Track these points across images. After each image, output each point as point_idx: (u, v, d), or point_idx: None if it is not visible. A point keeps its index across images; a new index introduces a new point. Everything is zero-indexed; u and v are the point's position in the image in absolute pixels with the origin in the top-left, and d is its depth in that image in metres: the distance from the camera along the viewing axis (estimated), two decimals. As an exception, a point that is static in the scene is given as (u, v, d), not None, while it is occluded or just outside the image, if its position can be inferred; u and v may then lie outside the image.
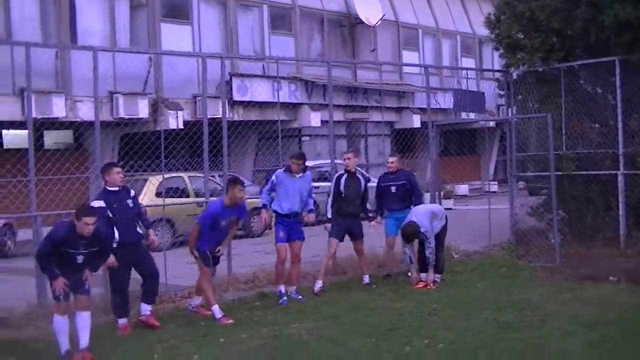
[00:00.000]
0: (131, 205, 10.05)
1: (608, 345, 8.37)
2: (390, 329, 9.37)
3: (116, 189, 9.94)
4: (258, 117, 25.20)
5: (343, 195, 12.47)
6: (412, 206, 13.06)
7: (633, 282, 11.69)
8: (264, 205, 12.05)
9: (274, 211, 11.82)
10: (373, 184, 13.77)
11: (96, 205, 9.43)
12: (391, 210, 13.28)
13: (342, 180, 12.54)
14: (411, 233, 12.07)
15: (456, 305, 10.64)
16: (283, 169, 11.82)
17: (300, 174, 11.72)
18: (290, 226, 11.71)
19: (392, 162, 13.51)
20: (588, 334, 8.77)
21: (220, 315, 10.26)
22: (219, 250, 10.65)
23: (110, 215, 9.66)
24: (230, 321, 10.14)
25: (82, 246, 8.57)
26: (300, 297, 11.60)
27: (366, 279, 12.72)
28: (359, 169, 13.29)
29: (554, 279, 12.51)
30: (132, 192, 10.26)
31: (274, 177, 11.83)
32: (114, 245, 9.53)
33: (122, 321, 9.84)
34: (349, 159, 12.71)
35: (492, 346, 8.31)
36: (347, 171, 12.67)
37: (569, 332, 8.89)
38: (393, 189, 13.27)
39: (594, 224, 15.14)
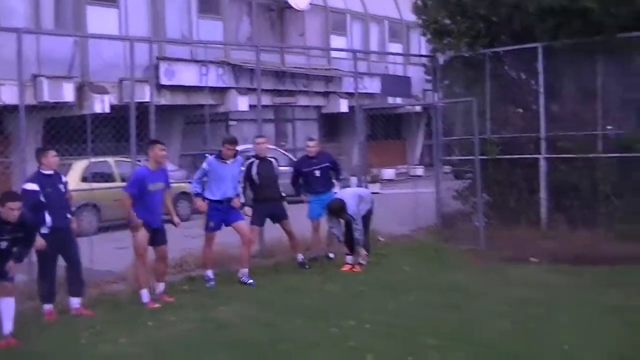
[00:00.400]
0: (63, 190, 9.90)
1: (533, 321, 8.63)
2: (318, 309, 9.50)
3: (51, 172, 9.76)
4: (185, 101, 25.03)
5: (257, 181, 12.41)
6: (335, 183, 13.30)
7: (554, 262, 12.02)
8: (198, 194, 11.91)
9: (207, 199, 11.72)
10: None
11: (29, 189, 9.35)
12: (316, 193, 13.24)
13: (254, 166, 12.49)
14: (337, 208, 12.13)
15: (383, 287, 10.81)
16: (214, 156, 11.72)
17: (232, 160, 11.67)
18: (225, 211, 11.63)
19: (312, 146, 13.50)
20: (513, 312, 9.01)
21: (147, 300, 10.20)
22: (176, 224, 10.55)
23: (43, 200, 9.52)
24: (157, 305, 10.09)
25: (7, 232, 8.43)
26: (251, 280, 11.46)
27: (300, 257, 12.79)
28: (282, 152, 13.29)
29: (479, 260, 12.76)
30: (64, 178, 10.09)
31: (205, 164, 11.71)
32: (46, 230, 9.42)
33: (48, 307, 9.67)
34: (261, 143, 12.72)
35: (418, 327, 8.46)
36: (257, 157, 12.66)
37: (494, 311, 9.11)
38: (317, 172, 13.27)
39: (517, 206, 15.43)
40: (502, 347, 7.56)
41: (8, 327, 8.52)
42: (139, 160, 12.39)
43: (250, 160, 12.62)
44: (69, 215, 10.01)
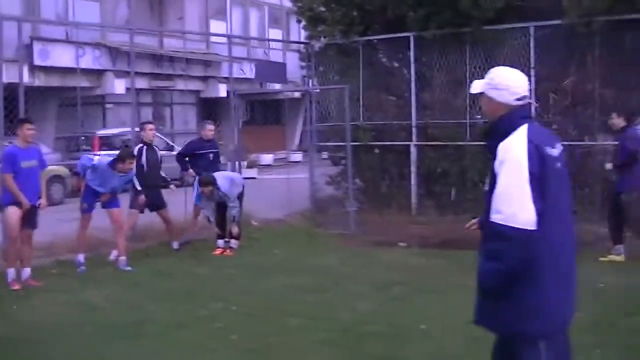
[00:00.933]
0: None
1: (395, 302, 8.94)
2: (187, 292, 9.56)
3: None
4: (60, 83, 24.51)
5: (145, 168, 12.38)
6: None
7: (422, 246, 12.42)
8: (77, 174, 11.71)
9: (87, 182, 11.48)
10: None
11: None
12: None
13: (144, 153, 12.48)
14: (208, 181, 12.16)
15: (253, 271, 10.95)
16: (108, 163, 11.18)
17: (123, 175, 11.36)
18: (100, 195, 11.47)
19: (211, 130, 13.62)
20: (375, 293, 9.30)
21: (11, 279, 10.06)
22: (39, 205, 10.32)
23: None
24: (17, 287, 9.95)
25: None
26: (130, 268, 11.24)
27: (175, 244, 12.83)
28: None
29: (349, 244, 13.03)
30: None
31: (96, 163, 11.30)
32: None
33: None
34: (150, 130, 12.71)
35: (284, 308, 8.63)
36: (145, 142, 12.64)
37: (358, 292, 9.37)
38: (211, 156, 13.38)
39: (388, 192, 15.83)
40: (364, 328, 7.76)
41: None
42: (10, 143, 12.12)
43: (139, 146, 12.61)
44: None
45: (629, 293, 9.06)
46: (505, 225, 3.92)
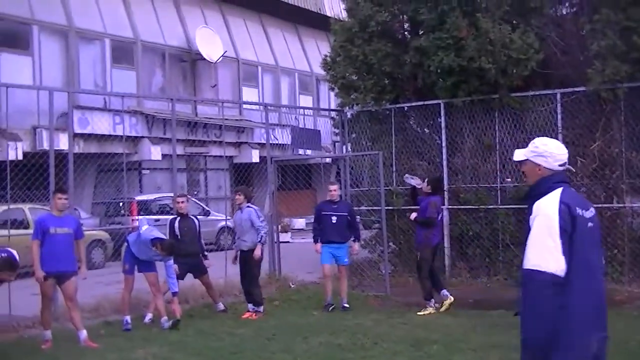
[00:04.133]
0: None
1: (431, 360, 9.25)
2: (232, 352, 9.93)
3: None
4: (98, 149, 25.21)
5: (179, 237, 12.88)
6: (351, 239, 13.63)
7: (455, 307, 12.65)
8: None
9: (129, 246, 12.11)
10: (213, 217, 14.23)
11: None
12: (328, 242, 13.46)
13: (176, 224, 13.03)
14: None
15: (294, 331, 11.29)
16: (152, 239, 11.72)
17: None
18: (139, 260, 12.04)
19: (334, 190, 13.58)
20: (414, 352, 9.63)
21: (45, 339, 10.63)
22: (78, 271, 10.83)
23: None
24: (47, 346, 10.50)
25: None
26: (168, 323, 11.70)
27: (220, 306, 13.30)
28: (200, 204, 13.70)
29: (384, 306, 13.36)
30: None
31: (142, 234, 11.86)
32: None
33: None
34: (181, 202, 13.28)
35: (326, 366, 9.00)
36: (179, 214, 13.18)
37: (397, 351, 9.71)
38: (334, 219, 13.44)
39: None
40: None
41: None
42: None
43: (172, 217, 13.20)
44: None
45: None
46: (534, 270, 4.36)
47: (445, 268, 15.78)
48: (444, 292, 13.02)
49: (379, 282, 15.00)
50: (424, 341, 10.23)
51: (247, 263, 12.96)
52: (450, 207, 15.86)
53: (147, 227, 11.99)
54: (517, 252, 15.01)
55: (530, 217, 4.56)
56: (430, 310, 12.62)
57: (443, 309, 12.76)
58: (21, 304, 12.09)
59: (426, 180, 13.21)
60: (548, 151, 4.72)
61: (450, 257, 15.85)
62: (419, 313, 12.49)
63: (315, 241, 13.57)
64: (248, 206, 12.95)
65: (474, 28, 14.98)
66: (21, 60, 24.34)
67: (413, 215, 12.99)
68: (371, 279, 15.67)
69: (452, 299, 12.87)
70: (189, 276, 13.20)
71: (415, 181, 13.42)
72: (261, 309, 12.92)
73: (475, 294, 14.19)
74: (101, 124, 24.71)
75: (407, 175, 14.10)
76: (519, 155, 4.88)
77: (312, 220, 14.20)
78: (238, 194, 13.14)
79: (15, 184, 16.84)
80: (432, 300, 12.76)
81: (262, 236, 12.78)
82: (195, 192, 29.20)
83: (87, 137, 24.85)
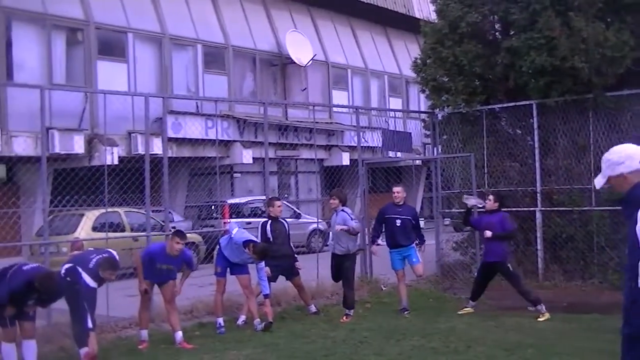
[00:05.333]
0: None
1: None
2: (325, 355, 9.96)
3: None
4: (190, 153, 25.64)
5: (271, 239, 12.96)
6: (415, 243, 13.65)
7: (550, 311, 12.44)
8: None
9: (221, 249, 12.32)
10: (304, 220, 14.34)
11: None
12: (396, 246, 13.59)
13: (268, 226, 13.10)
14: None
15: (386, 334, 11.27)
16: (243, 241, 11.89)
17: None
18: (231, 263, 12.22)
19: (397, 193, 13.63)
20: (509, 356, 9.52)
21: (141, 339, 11.00)
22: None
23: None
24: (143, 346, 10.87)
25: (35, 299, 8.98)
26: (261, 325, 11.82)
27: (312, 309, 13.37)
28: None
29: (477, 309, 13.22)
30: None
31: (233, 237, 12.02)
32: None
33: (84, 351, 9.91)
34: (279, 207, 13.35)
35: (420, 369, 8.98)
36: (270, 217, 13.27)
37: (492, 355, 9.60)
38: (398, 222, 13.50)
39: (514, 257, 15.94)
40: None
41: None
42: (153, 211, 12.94)
43: (263, 221, 13.32)
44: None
45: None
46: None
47: (538, 271, 15.57)
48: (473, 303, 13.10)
49: (471, 285, 14.82)
50: (518, 345, 10.11)
51: (341, 267, 13.05)
52: (543, 209, 15.64)
53: (237, 229, 12.14)
54: (612, 255, 14.75)
55: (637, 227, 4.24)
56: (546, 315, 12.20)
57: (462, 312, 12.88)
58: (118, 305, 12.42)
59: (491, 197, 12.98)
60: (621, 156, 4.52)
61: (543, 259, 15.62)
62: (539, 319, 12.09)
63: (372, 242, 13.99)
64: (342, 210, 13.01)
65: (566, 27, 14.75)
66: (117, 67, 24.95)
67: (489, 233, 12.59)
68: (463, 281, 15.54)
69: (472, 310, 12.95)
70: (281, 279, 13.30)
71: (474, 201, 13.25)
72: (351, 312, 12.95)
73: (569, 297, 13.97)
74: (194, 129, 25.12)
75: (465, 195, 13.95)
76: (599, 182, 4.69)
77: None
78: (333, 198, 13.20)
79: (112, 188, 17.38)
80: (542, 305, 12.41)
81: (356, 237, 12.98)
82: (286, 195, 29.43)
83: (180, 141, 25.29)
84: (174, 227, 14.64)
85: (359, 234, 13.25)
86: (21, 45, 22.51)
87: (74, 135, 21.97)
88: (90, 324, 9.39)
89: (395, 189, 13.68)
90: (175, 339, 10.87)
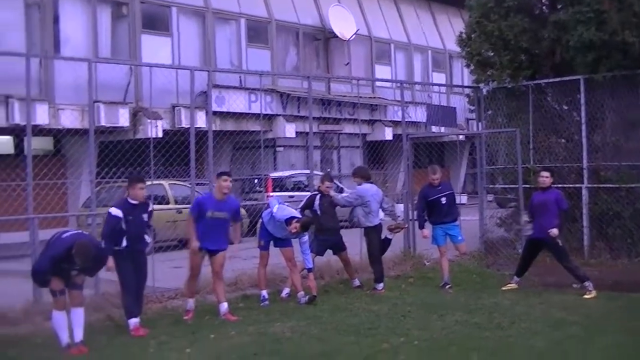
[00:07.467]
0: (145, 219, 10.47)
1: (571, 342, 9.10)
2: (368, 328, 10.01)
3: (136, 202, 10.33)
4: (234, 127, 25.68)
5: (319, 212, 13.01)
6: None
7: (595, 288, 12.34)
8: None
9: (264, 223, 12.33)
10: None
11: (113, 214, 10.03)
12: (441, 223, 13.68)
13: (316, 200, 13.12)
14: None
15: (429, 308, 11.28)
16: (285, 218, 11.94)
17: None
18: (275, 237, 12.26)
19: (436, 179, 13.75)
20: (553, 332, 9.51)
21: (188, 308, 11.09)
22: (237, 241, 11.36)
23: (123, 227, 10.07)
24: (189, 317, 10.92)
25: (77, 268, 9.11)
26: (305, 299, 11.91)
27: (356, 282, 13.42)
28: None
29: (521, 285, 13.15)
30: (150, 207, 10.69)
31: (274, 214, 12.07)
32: (122, 248, 10.04)
33: (134, 321, 10.10)
34: (329, 187, 13.31)
35: (464, 343, 8.97)
36: (320, 191, 13.28)
37: (535, 331, 9.59)
38: (444, 200, 13.65)
39: (560, 234, 15.81)
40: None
41: (79, 335, 9.19)
42: (197, 184, 12.99)
43: (313, 193, 13.39)
44: (148, 240, 10.56)
45: None
46: None
47: (584, 248, 15.43)
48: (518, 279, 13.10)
49: (515, 261, 14.74)
50: (563, 322, 10.09)
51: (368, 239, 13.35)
52: (589, 185, 15.48)
53: (278, 206, 12.13)
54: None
55: None
56: (593, 293, 12.10)
57: (506, 288, 12.91)
58: (163, 277, 12.55)
59: (547, 173, 12.75)
60: None
61: (589, 237, 15.46)
62: (585, 296, 12.02)
63: (421, 227, 13.82)
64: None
65: (616, 0, 14.49)
66: (161, 41, 25.03)
67: (555, 232, 12.44)
68: (506, 257, 15.45)
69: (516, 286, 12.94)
70: (326, 253, 13.34)
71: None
72: (380, 286, 13.01)
73: (615, 275, 13.81)
74: (238, 102, 25.18)
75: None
76: None
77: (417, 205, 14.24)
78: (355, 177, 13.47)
79: (157, 161, 17.51)
80: (590, 282, 12.31)
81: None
82: (329, 170, 29.43)
83: (224, 115, 25.37)
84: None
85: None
86: (68, 20, 22.68)
87: (119, 109, 22.15)
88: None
89: (433, 176, 13.74)
90: (220, 310, 10.95)
